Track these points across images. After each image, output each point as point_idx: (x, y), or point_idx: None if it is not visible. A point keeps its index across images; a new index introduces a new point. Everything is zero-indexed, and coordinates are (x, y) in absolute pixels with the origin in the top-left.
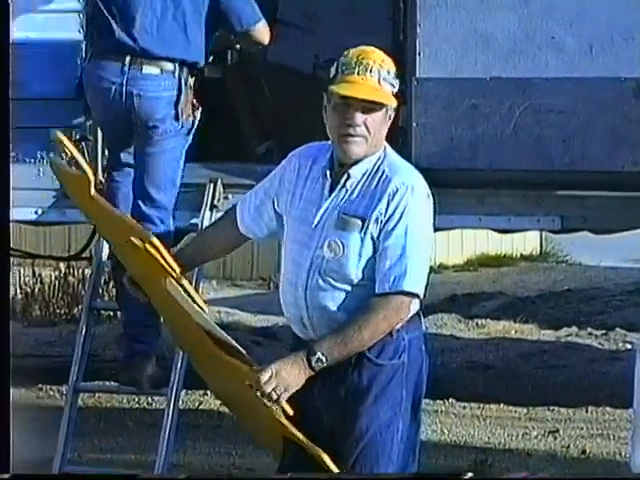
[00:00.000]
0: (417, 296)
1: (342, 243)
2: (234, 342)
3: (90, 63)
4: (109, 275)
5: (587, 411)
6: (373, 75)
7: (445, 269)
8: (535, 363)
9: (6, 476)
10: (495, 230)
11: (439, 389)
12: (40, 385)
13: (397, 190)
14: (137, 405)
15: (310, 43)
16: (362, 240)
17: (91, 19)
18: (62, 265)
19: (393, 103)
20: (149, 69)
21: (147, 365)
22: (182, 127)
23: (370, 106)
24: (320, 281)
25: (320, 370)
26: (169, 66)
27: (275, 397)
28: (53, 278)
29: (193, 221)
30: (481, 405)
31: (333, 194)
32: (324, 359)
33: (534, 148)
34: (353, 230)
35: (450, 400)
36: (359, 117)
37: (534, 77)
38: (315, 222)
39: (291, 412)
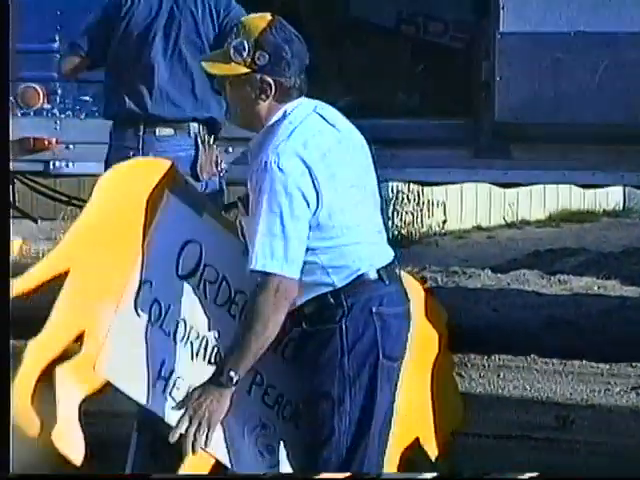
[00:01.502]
0: (290, 279)
1: (241, 227)
2: None
3: (111, 135)
4: None
5: None
6: (229, 48)
7: (527, 225)
8: (617, 319)
9: (6, 476)
10: (578, 185)
11: (521, 345)
12: None
13: (255, 167)
14: None
15: None
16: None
17: (106, 89)
18: None
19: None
20: (163, 131)
21: None
22: (206, 186)
23: (232, 80)
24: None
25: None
26: (183, 126)
27: (204, 439)
28: None
29: None
30: (563, 361)
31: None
32: (234, 374)
33: (618, 102)
34: (243, 212)
35: (532, 356)
36: (227, 92)
37: (619, 31)
38: None
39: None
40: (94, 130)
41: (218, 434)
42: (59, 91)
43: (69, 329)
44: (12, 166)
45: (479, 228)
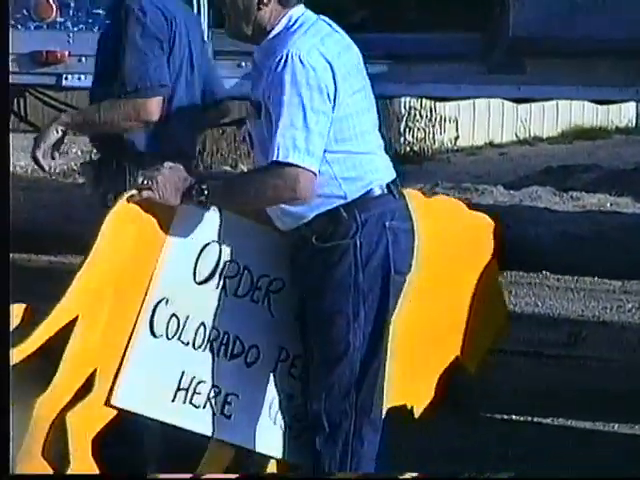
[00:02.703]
0: (310, 172)
1: (250, 134)
2: None
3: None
4: (203, 145)
5: None
6: None
7: (540, 141)
8: (630, 236)
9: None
10: (592, 101)
11: (533, 262)
12: None
13: (278, 60)
14: None
15: None
16: (262, 124)
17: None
18: None
19: None
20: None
21: None
22: None
23: None
24: None
25: (291, 261)
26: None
27: (144, 185)
28: None
29: None
30: (575, 278)
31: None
32: (205, 192)
33: (634, 17)
34: (255, 117)
35: (544, 272)
36: (228, 4)
37: None
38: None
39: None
40: None
41: (244, 424)
42: (72, 4)
43: (80, 373)
44: (24, 79)
45: (491, 144)
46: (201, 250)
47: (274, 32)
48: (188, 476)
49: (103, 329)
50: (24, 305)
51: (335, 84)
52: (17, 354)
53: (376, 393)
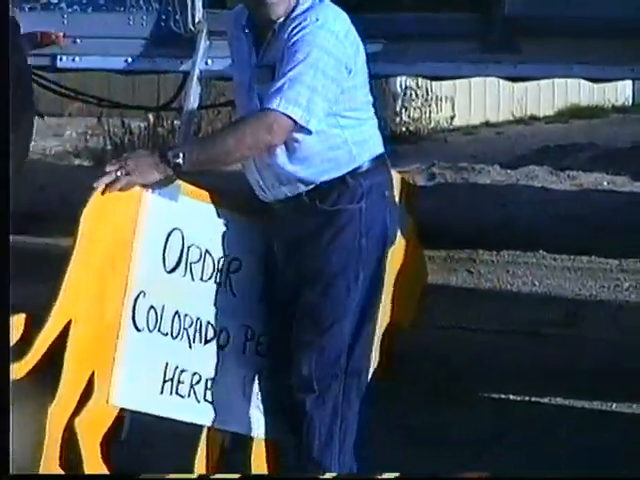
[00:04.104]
0: (292, 119)
1: (260, 96)
2: None
3: None
4: (198, 126)
5: None
6: None
7: (536, 120)
8: (627, 214)
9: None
10: (588, 79)
11: (530, 241)
12: None
13: (303, 22)
14: None
15: None
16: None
17: None
18: (151, 115)
19: None
20: None
21: None
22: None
23: None
24: None
25: (279, 232)
26: None
27: (118, 179)
28: (142, 128)
29: None
30: (572, 257)
31: (260, 52)
32: (181, 155)
33: None
34: (268, 79)
35: (541, 252)
36: None
37: None
38: (247, 83)
39: None
40: (101, 24)
41: (224, 409)
42: None
43: (82, 378)
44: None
45: (488, 124)
46: (167, 238)
47: (296, 12)
48: (187, 476)
49: (98, 331)
50: (24, 315)
51: (355, 52)
52: (22, 367)
53: (365, 358)
